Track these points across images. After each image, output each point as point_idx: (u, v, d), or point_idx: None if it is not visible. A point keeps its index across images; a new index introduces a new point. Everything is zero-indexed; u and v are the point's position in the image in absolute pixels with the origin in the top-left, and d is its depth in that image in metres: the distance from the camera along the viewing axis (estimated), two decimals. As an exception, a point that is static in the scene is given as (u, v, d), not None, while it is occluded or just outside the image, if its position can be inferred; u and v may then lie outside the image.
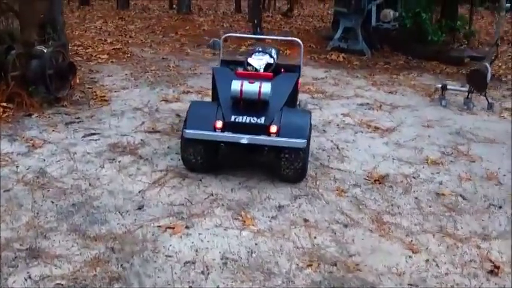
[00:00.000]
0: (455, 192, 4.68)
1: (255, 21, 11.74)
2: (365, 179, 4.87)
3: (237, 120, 4.37)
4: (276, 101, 4.50)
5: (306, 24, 15.50)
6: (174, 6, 17.64)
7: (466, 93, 7.66)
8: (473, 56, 10.50)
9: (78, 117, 6.07)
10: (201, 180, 4.54)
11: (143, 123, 6.04)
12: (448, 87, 7.75)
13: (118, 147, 5.24)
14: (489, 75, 7.51)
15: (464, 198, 4.58)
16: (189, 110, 4.51)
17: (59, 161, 4.82)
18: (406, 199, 4.50)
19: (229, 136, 4.34)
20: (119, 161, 4.87)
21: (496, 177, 5.06)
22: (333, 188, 4.62)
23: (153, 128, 5.87)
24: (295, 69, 5.37)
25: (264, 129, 4.35)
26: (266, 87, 4.35)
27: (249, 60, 5.28)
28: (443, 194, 4.63)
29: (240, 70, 4.93)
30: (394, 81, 9.16)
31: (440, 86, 7.82)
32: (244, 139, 4.29)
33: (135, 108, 6.61)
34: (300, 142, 4.32)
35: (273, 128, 4.33)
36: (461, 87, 7.88)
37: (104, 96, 7.01)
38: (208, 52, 10.53)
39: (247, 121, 4.37)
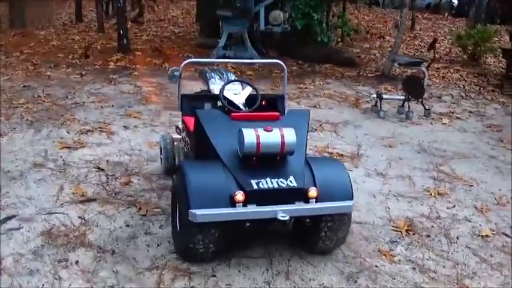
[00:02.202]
0: (492, 230, 4.23)
1: (121, 32, 10.32)
2: (393, 230, 4.16)
3: (262, 186, 3.29)
4: (297, 151, 3.50)
5: (163, 30, 14.35)
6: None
7: (401, 102, 7.45)
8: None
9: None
10: (214, 275, 3.39)
11: (62, 188, 4.55)
12: (384, 96, 7.44)
13: (56, 235, 3.77)
14: (426, 81, 7.37)
15: (508, 236, 4.15)
16: (184, 178, 3.28)
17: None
18: (460, 251, 3.92)
19: (259, 212, 3.26)
20: (76, 262, 3.45)
21: (508, 203, 4.78)
22: (373, 250, 3.83)
23: (82, 195, 4.43)
24: (277, 100, 4.43)
25: (300, 195, 3.36)
26: (290, 136, 3.35)
27: (226, 93, 4.21)
28: (486, 236, 4.16)
29: (234, 111, 3.85)
30: (307, 92, 8.67)
31: (375, 95, 7.49)
32: (281, 213, 3.24)
33: (35, 164, 5.04)
34: (348, 205, 3.44)
35: (313, 192, 3.35)
36: (398, 94, 7.67)
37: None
38: (75, 73, 8.94)
39: (276, 186, 3.32)
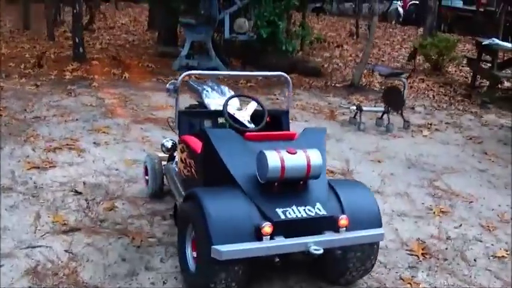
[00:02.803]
0: (506, 250, 4.13)
1: (77, 40, 9.75)
2: (409, 254, 3.95)
3: (289, 216, 2.99)
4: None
5: (116, 38, 13.76)
6: None
7: (381, 114, 7.34)
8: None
9: None
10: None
11: (39, 215, 4.08)
12: (364, 108, 7.30)
13: (44, 274, 3.32)
14: (405, 92, 7.29)
15: (523, 257, 4.04)
16: (203, 210, 2.92)
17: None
18: (482, 275, 3.76)
19: (289, 245, 2.94)
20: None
21: (511, 219, 4.69)
22: (395, 278, 3.61)
23: (64, 224, 3.98)
24: (281, 116, 4.15)
25: (329, 223, 3.08)
26: (316, 158, 3.07)
27: (229, 109, 3.89)
28: (502, 257, 4.03)
29: (247, 130, 3.53)
30: (279, 104, 8.42)
31: (354, 107, 7.34)
32: (314, 246, 2.94)
33: (3, 187, 4.53)
34: (380, 234, 3.20)
35: (343, 220, 3.08)
36: (377, 106, 7.56)
37: None
38: (29, 84, 8.32)
39: (304, 215, 3.03)
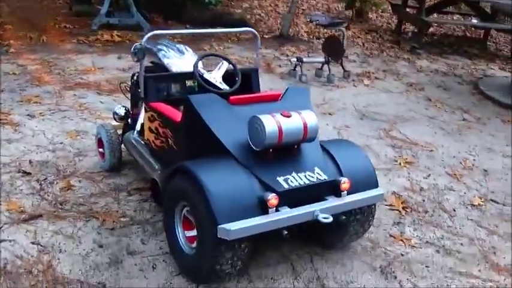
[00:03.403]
0: (480, 198, 4.21)
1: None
2: (390, 209, 3.93)
3: (292, 184, 2.79)
4: None
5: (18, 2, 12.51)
6: None
7: (321, 64, 7.23)
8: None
9: None
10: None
11: (-14, 204, 3.60)
12: (305, 60, 7.14)
13: (17, 274, 2.92)
14: (345, 42, 7.19)
15: (496, 202, 4.13)
16: (201, 186, 2.64)
17: None
18: (466, 225, 3.84)
19: (297, 216, 2.74)
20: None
21: (474, 166, 4.81)
22: (385, 236, 3.56)
23: (21, 211, 3.55)
24: (252, 75, 3.89)
25: (331, 188, 2.92)
26: (312, 119, 2.88)
27: (200, 69, 3.57)
28: (478, 205, 4.11)
29: (231, 94, 3.24)
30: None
31: (295, 59, 7.16)
32: (322, 214, 2.76)
33: None
34: (380, 194, 3.08)
35: (345, 184, 2.93)
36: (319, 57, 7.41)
37: None
38: None
39: (307, 182, 2.84)
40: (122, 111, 4.21)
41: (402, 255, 3.34)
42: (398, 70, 7.98)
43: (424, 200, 4.08)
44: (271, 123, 2.74)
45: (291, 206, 2.76)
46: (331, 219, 2.75)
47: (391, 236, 3.56)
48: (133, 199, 3.78)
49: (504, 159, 4.95)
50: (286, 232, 2.75)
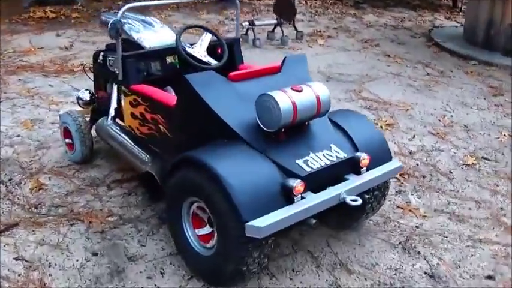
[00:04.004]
0: (471, 156, 4.08)
1: None
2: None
3: (313, 167, 2.47)
4: None
5: None
6: None
7: (273, 27, 6.88)
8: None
9: None
10: (270, 293, 2.55)
11: None
12: (257, 23, 6.74)
13: (4, 300, 2.48)
14: (296, 2, 6.84)
15: (488, 159, 4.02)
16: (219, 179, 2.27)
17: None
18: (466, 187, 3.68)
19: (325, 201, 2.43)
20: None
21: (454, 123, 4.68)
22: (392, 208, 3.35)
23: (-11, 221, 3.05)
24: (234, 45, 3.50)
25: (350, 166, 2.63)
26: (324, 92, 2.55)
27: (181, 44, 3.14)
28: (472, 164, 3.97)
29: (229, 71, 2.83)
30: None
31: (247, 23, 6.74)
32: (350, 197, 2.47)
33: None
34: (399, 167, 2.83)
35: (365, 160, 2.64)
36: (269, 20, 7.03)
37: None
38: None
39: (327, 162, 2.53)
40: (86, 96, 3.72)
41: (417, 227, 3.14)
42: (348, 27, 7.74)
43: (418, 164, 3.90)
44: (285, 100, 2.40)
45: (314, 191, 2.45)
46: (360, 201, 2.47)
47: (398, 207, 3.35)
48: (115, 193, 3.35)
49: (480, 113, 4.86)
50: (315, 220, 2.46)
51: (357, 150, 2.69)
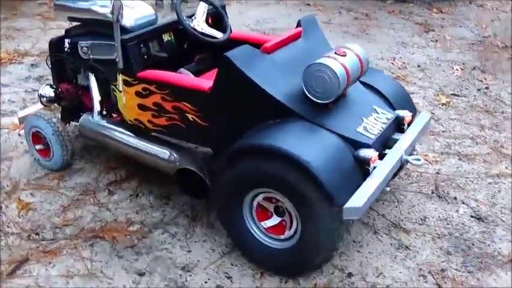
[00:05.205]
0: (442, 94, 4.12)
1: None
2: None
3: (374, 132, 2.29)
4: None
5: None
6: None
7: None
8: None
9: None
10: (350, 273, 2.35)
11: None
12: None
13: None
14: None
15: (457, 95, 4.08)
16: (303, 163, 2.00)
17: None
18: (455, 124, 3.67)
19: (395, 166, 2.23)
20: None
21: (406, 64, 4.68)
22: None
23: (-10, 262, 2.47)
24: (222, 12, 3.10)
25: (395, 125, 2.46)
26: (361, 52, 2.37)
27: (182, 17, 2.69)
28: (448, 102, 3.99)
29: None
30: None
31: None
32: (411, 157, 2.33)
33: None
34: (429, 117, 2.70)
35: (408, 117, 2.49)
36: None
37: None
38: None
39: (382, 125, 2.36)
40: (50, 92, 3.15)
41: (437, 173, 3.09)
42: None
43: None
44: (339, 67, 2.19)
45: (380, 158, 2.25)
46: (422, 160, 2.34)
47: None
48: (120, 198, 2.89)
49: (423, 51, 4.90)
50: (389, 188, 2.30)
51: (393, 108, 2.53)
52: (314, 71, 2.18)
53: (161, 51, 2.71)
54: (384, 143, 2.35)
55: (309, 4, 6.27)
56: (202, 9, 2.81)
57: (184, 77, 2.53)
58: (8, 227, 2.68)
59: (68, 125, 3.14)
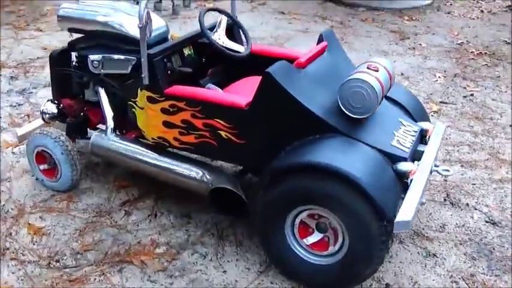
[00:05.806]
0: (431, 101, 4.18)
1: None
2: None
3: (407, 145, 2.32)
4: None
5: None
6: None
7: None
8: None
9: None
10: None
11: None
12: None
13: None
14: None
15: (445, 103, 4.19)
16: (352, 179, 2.00)
17: None
18: (453, 133, 3.75)
19: (427, 177, 2.26)
20: None
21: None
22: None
23: (14, 294, 2.32)
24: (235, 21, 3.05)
25: (419, 136, 2.49)
26: (389, 65, 2.41)
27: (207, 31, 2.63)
28: (439, 110, 4.07)
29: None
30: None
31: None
32: (439, 168, 2.44)
33: None
34: (444, 127, 2.75)
35: (431, 128, 2.54)
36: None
37: None
38: None
39: (410, 138, 2.38)
40: (53, 108, 3.02)
41: (445, 180, 3.15)
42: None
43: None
44: (375, 82, 2.22)
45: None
46: (451, 171, 2.40)
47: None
48: (138, 219, 2.78)
49: (403, 59, 4.99)
50: (425, 200, 2.34)
51: (414, 120, 2.58)
52: (351, 86, 2.19)
53: (183, 66, 2.63)
54: (413, 156, 2.38)
55: (283, 12, 6.28)
56: (223, 22, 2.75)
57: (217, 93, 2.47)
58: (23, 254, 2.52)
59: (74, 142, 2.99)
